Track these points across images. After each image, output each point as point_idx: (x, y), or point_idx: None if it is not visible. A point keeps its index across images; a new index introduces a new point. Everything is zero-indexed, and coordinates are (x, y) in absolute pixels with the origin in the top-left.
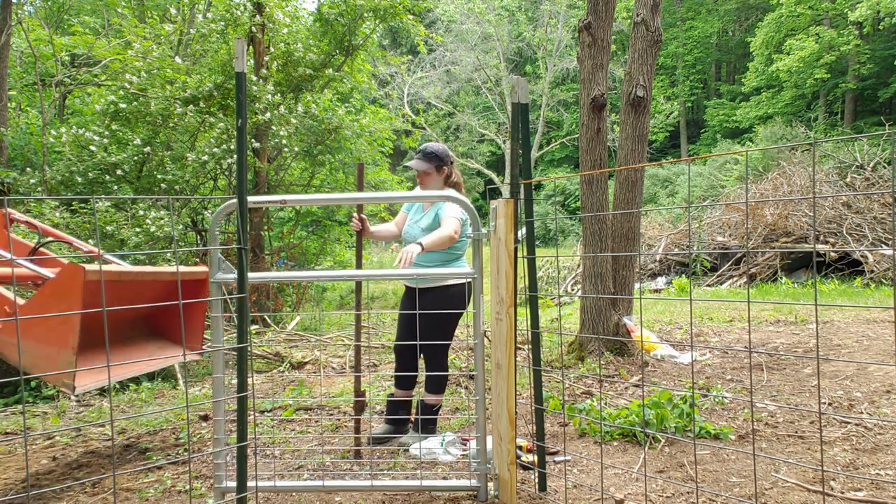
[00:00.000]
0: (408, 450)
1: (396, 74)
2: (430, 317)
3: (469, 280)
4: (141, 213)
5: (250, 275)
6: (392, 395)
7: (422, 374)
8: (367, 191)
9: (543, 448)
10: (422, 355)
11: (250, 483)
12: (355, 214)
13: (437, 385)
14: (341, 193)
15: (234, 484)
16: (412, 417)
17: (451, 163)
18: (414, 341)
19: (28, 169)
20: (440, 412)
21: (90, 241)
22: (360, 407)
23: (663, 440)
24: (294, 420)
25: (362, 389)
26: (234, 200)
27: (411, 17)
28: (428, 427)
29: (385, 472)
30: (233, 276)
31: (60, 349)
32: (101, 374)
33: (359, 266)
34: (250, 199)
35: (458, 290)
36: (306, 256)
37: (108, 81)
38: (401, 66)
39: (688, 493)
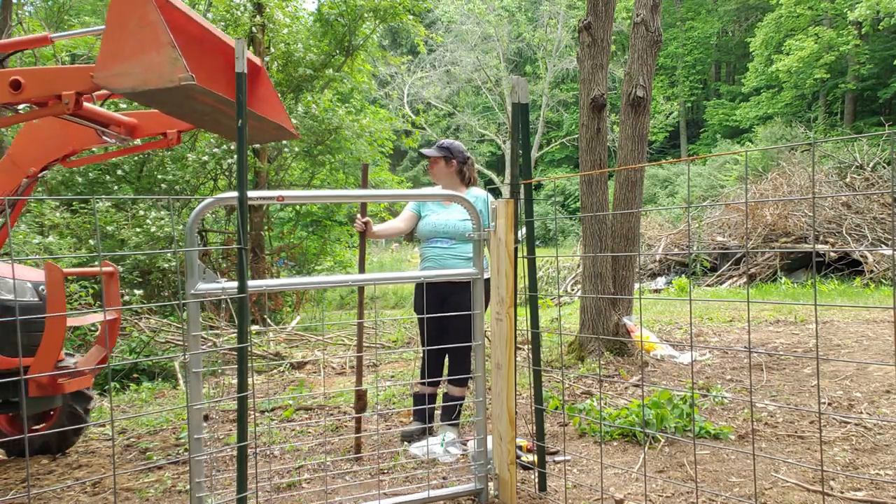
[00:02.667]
0: (408, 450)
1: (396, 75)
2: (467, 312)
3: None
4: (141, 213)
5: (250, 283)
6: (418, 392)
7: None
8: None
9: (543, 448)
10: (447, 351)
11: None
12: (359, 216)
13: (464, 379)
14: (340, 191)
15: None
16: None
17: (465, 161)
18: (444, 339)
19: None
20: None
21: (91, 241)
22: (361, 408)
23: (663, 440)
24: (294, 420)
25: (364, 390)
26: (211, 199)
27: (411, 17)
28: (455, 419)
29: (385, 471)
30: (215, 285)
31: (158, 51)
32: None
33: (362, 269)
34: (235, 194)
35: (489, 285)
36: (306, 256)
37: None
38: (401, 67)
39: (687, 492)
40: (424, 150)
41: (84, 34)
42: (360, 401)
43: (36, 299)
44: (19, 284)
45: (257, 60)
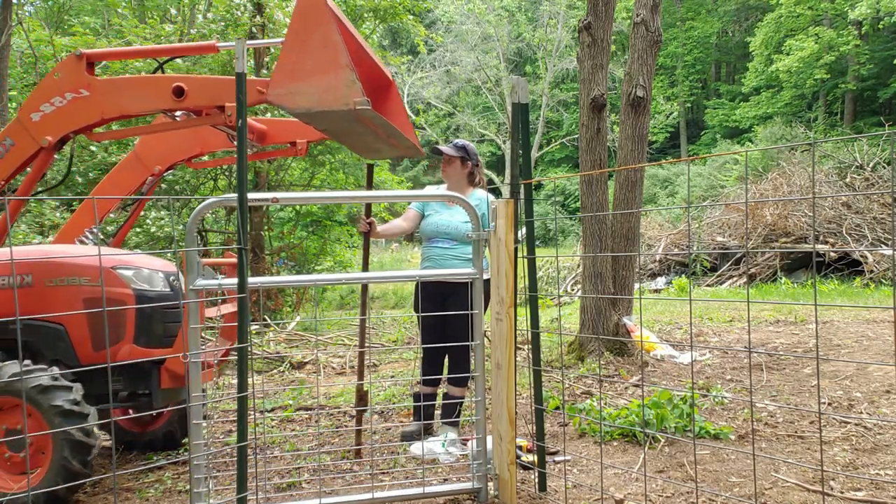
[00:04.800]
0: (408, 450)
1: (396, 75)
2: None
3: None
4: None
5: (253, 279)
6: (418, 392)
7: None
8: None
9: (543, 448)
10: (447, 351)
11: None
12: (363, 217)
13: (464, 379)
14: (336, 192)
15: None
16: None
17: (478, 165)
18: (444, 339)
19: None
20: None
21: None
22: (362, 404)
23: (663, 440)
24: (294, 420)
25: (364, 391)
26: (212, 200)
27: (411, 17)
28: (455, 418)
29: (385, 471)
30: (214, 282)
31: (337, 73)
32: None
33: (366, 268)
34: (235, 195)
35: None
36: (306, 256)
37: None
38: (401, 67)
39: (687, 492)
40: (442, 147)
41: (260, 45)
42: (362, 400)
43: (168, 290)
44: (151, 274)
45: (389, 74)
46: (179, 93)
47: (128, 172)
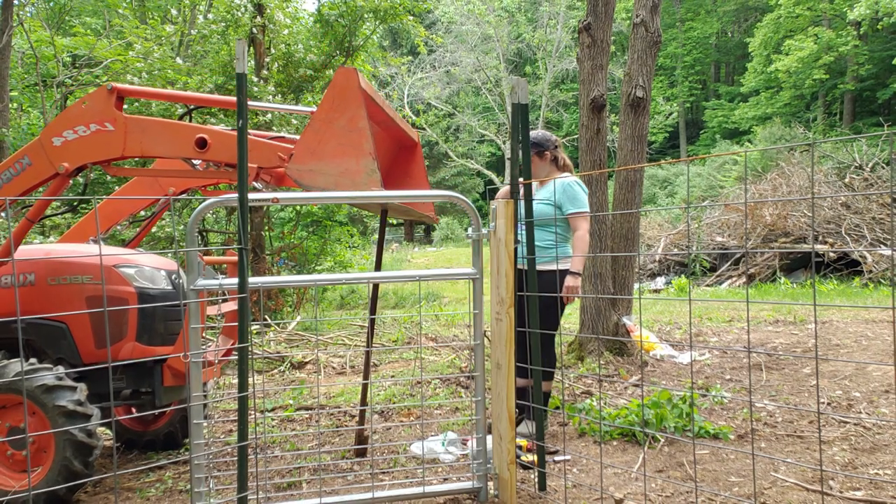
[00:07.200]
0: (408, 449)
1: (397, 75)
2: (541, 300)
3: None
4: (142, 213)
5: (253, 279)
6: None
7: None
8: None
9: (543, 448)
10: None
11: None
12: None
13: (524, 370)
14: (336, 192)
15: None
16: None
17: (556, 146)
18: (524, 327)
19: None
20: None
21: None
22: (363, 413)
23: (663, 440)
24: (294, 420)
25: (366, 415)
26: (212, 200)
27: (411, 17)
28: (520, 414)
29: (385, 471)
30: (214, 281)
31: (358, 159)
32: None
33: (378, 267)
34: (235, 195)
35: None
36: (307, 257)
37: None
38: (401, 67)
39: (687, 492)
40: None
41: (283, 110)
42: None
43: (170, 288)
44: (154, 273)
45: (415, 136)
46: (202, 144)
47: (143, 186)
